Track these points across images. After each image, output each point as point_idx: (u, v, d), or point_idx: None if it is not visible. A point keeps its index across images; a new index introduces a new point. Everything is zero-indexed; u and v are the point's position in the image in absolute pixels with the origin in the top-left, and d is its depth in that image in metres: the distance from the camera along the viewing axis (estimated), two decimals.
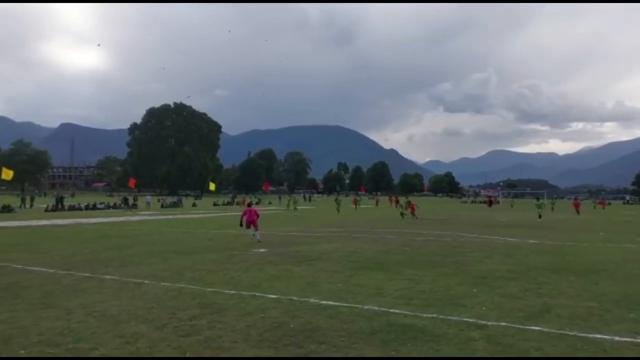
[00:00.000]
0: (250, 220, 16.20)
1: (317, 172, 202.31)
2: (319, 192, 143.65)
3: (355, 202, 49.68)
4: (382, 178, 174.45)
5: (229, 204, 63.45)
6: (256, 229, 15.97)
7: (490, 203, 58.92)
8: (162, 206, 51.94)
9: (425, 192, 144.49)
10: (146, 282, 8.47)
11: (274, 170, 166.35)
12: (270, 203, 66.21)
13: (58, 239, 17.02)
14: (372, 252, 12.84)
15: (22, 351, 4.73)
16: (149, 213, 38.87)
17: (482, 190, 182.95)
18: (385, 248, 13.90)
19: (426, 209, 45.79)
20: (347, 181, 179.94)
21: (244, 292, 7.51)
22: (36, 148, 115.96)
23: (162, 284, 8.30)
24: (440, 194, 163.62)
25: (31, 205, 43.92)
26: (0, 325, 5.64)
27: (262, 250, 13.37)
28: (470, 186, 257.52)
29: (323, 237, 17.57)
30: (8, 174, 37.53)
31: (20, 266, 10.36)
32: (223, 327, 5.54)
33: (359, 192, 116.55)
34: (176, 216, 34.39)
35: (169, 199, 62.86)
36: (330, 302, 6.80)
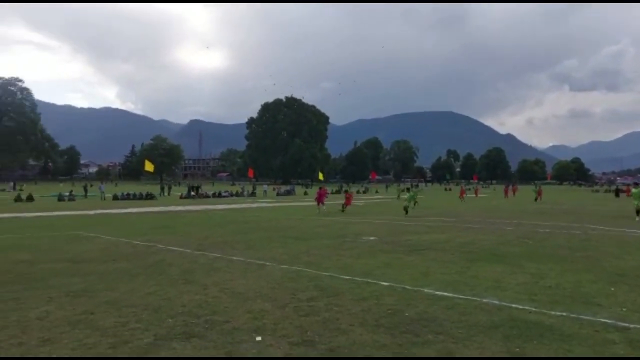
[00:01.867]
0: (320, 198, 24.17)
1: (425, 161, 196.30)
2: (426, 181, 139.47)
3: (462, 193, 41.30)
4: (498, 165, 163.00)
5: (337, 192, 64.96)
6: (323, 205, 23.76)
7: (617, 193, 51.43)
8: (277, 194, 55.15)
9: (549, 180, 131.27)
10: (268, 264, 9.15)
11: (380, 159, 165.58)
12: (377, 192, 66.18)
13: (192, 223, 19.14)
14: (489, 243, 12.19)
15: (170, 320, 5.48)
16: (266, 200, 41.59)
17: (618, 178, 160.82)
18: (502, 239, 13.09)
19: (550, 199, 41.76)
20: (458, 169, 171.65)
21: (357, 278, 7.71)
22: (171, 142, 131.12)
23: (282, 266, 8.90)
24: (566, 182, 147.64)
25: (169, 193, 49.91)
26: (152, 297, 6.59)
27: (372, 238, 13.52)
28: (604, 173, 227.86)
29: (434, 226, 17.12)
30: (150, 166, 43.14)
31: (162, 246, 11.90)
32: (340, 310, 5.79)
33: (471, 181, 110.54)
34: (290, 204, 36.27)
35: (283, 188, 66.45)
36: (446, 293, 6.66)
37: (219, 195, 48.83)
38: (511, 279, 7.68)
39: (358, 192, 61.14)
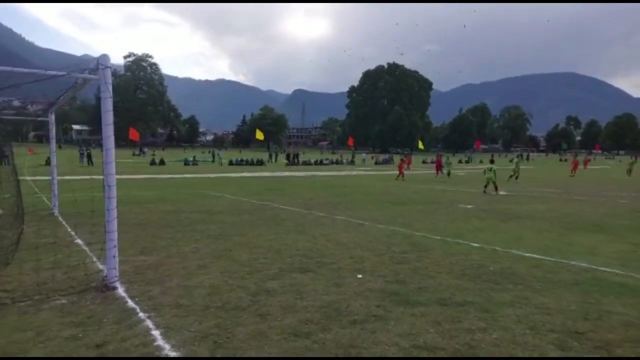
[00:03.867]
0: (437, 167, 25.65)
1: (539, 128, 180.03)
2: (539, 151, 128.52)
3: (575, 166, 34.67)
4: (627, 134, 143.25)
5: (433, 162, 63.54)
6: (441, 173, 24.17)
7: None
8: (375, 163, 55.90)
9: None
10: (366, 223, 10.20)
11: (487, 126, 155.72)
12: (481, 162, 63.29)
13: (298, 187, 20.96)
14: (594, 215, 11.81)
15: (289, 259, 6.80)
16: (364, 168, 42.67)
17: None
18: (611, 212, 12.52)
19: None
20: (579, 138, 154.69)
21: (448, 239, 8.40)
22: (277, 112, 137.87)
23: (378, 226, 9.88)
24: None
25: (275, 160, 53.58)
26: (273, 241, 8.03)
27: (468, 206, 13.82)
28: None
29: (537, 197, 16.67)
30: (261, 135, 46.63)
31: (276, 205, 13.59)
32: (429, 262, 6.62)
33: (593, 151, 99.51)
34: (387, 172, 36.87)
35: (381, 157, 66.85)
36: (535, 255, 7.09)
37: (320, 162, 51.06)
38: (607, 247, 7.75)
39: (460, 161, 59.17)
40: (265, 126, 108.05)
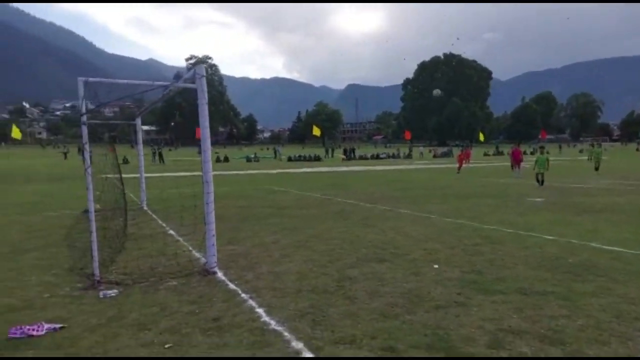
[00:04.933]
0: (516, 161, 22.12)
1: (611, 116, 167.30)
2: (612, 140, 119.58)
3: None
4: None
5: (499, 154, 61.22)
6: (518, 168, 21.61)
7: None
8: (434, 156, 54.94)
9: None
10: (432, 216, 10.35)
11: (552, 116, 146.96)
12: (547, 152, 60.08)
13: (358, 181, 21.30)
14: None
15: (363, 249, 7.17)
16: (422, 162, 42.13)
17: None
18: None
19: None
20: None
21: (520, 232, 8.38)
22: (331, 108, 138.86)
23: (446, 219, 9.99)
24: None
25: (332, 155, 54.25)
26: (344, 234, 8.43)
27: (538, 199, 13.48)
28: None
29: (612, 189, 15.86)
30: (317, 131, 47.53)
31: (339, 199, 14.02)
32: (504, 254, 6.72)
33: None
34: (447, 165, 36.20)
35: (440, 149, 65.47)
36: (614, 248, 6.97)
37: (377, 157, 51.01)
38: None
39: (525, 152, 56.63)
40: (320, 122, 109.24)
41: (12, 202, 13.65)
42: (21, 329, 4.03)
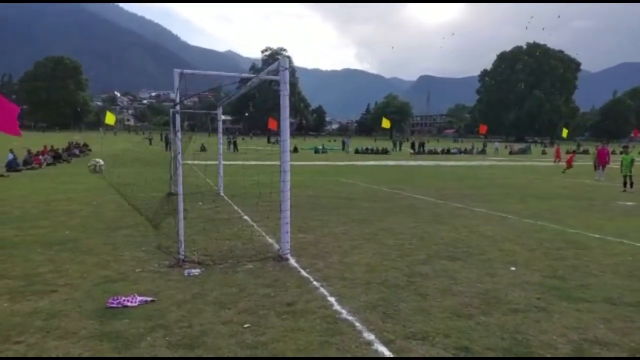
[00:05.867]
0: (601, 161, 19.62)
1: None
2: None
3: None
4: None
5: (584, 152, 56.56)
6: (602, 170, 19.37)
7: None
8: (510, 153, 52.07)
9: None
10: (509, 217, 9.87)
11: None
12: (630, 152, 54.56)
13: (426, 176, 20.81)
14: None
15: (434, 246, 7.03)
16: (497, 159, 40.12)
17: None
18: None
19: None
20: None
21: (609, 238, 7.75)
22: (401, 100, 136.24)
23: (524, 220, 9.48)
24: None
25: (400, 149, 53.38)
26: (415, 229, 8.32)
27: (629, 203, 12.36)
28: None
29: None
30: (387, 123, 46.96)
31: (408, 194, 13.80)
32: (589, 260, 6.27)
33: None
34: (525, 163, 34.17)
35: (517, 146, 61.89)
36: None
37: (448, 151, 49.34)
38: None
39: (614, 152, 51.84)
40: (389, 114, 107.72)
41: (106, 183, 15.03)
42: (118, 299, 4.47)
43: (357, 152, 44.77)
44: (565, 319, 4.13)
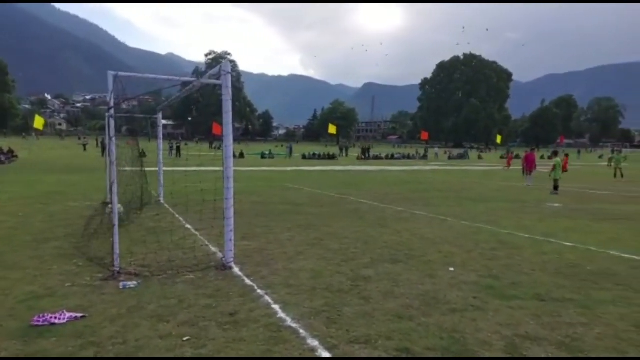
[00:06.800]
0: (528, 167, 19.93)
1: (633, 122, 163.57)
2: (632, 146, 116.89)
3: None
4: None
5: (517, 157, 60.36)
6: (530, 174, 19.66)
7: None
8: (449, 158, 54.46)
9: None
10: (449, 219, 10.27)
11: (573, 120, 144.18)
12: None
13: (372, 181, 21.24)
14: None
15: (378, 250, 7.15)
16: (437, 163, 41.83)
17: None
18: None
19: None
20: None
21: (538, 237, 8.28)
22: (347, 107, 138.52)
23: (462, 222, 9.91)
24: None
25: (346, 154, 54.21)
26: (359, 233, 8.43)
27: (556, 204, 13.28)
28: None
29: (633, 197, 15.54)
30: (333, 129, 47.48)
31: (353, 199, 14.01)
32: (521, 260, 6.65)
33: None
34: (463, 167, 35.88)
35: (455, 151, 64.87)
36: (634, 256, 6.84)
37: (392, 157, 50.76)
38: None
39: (543, 157, 55.76)
40: (335, 120, 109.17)
41: (34, 192, 13.97)
42: (44, 316, 4.14)
43: (304, 157, 44.88)
44: (499, 317, 4.34)
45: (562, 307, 4.64)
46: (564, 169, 25.04)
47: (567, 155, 27.69)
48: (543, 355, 3.56)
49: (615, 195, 16.25)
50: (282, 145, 70.21)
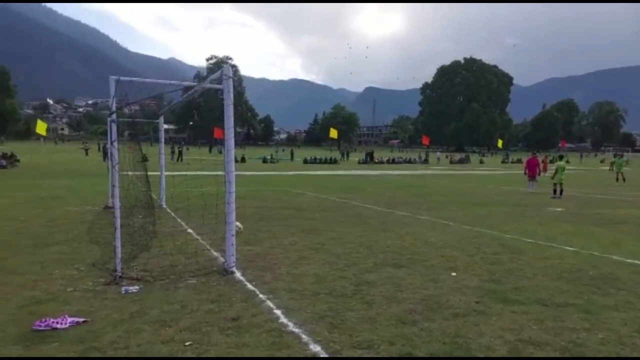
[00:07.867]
0: (531, 172, 19.06)
1: (635, 126, 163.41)
2: (634, 150, 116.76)
3: None
4: None
5: (519, 161, 60.34)
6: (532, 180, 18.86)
7: None
8: (450, 162, 54.44)
9: None
10: (451, 223, 10.26)
11: (574, 124, 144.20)
12: (567, 162, 59.05)
13: (374, 185, 21.24)
14: None
15: (381, 254, 7.14)
16: (439, 168, 41.81)
17: None
18: None
19: None
20: None
21: (540, 242, 8.26)
22: (349, 111, 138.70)
23: (464, 226, 9.90)
24: None
25: (348, 158, 54.27)
26: (362, 238, 8.43)
27: (557, 209, 13.26)
28: None
29: (635, 201, 15.51)
30: (335, 133, 47.51)
31: (357, 203, 14.00)
32: (523, 263, 6.63)
33: None
34: (464, 172, 35.86)
35: (457, 156, 64.87)
36: (636, 261, 6.82)
37: (393, 161, 50.79)
38: None
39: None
40: (336, 125, 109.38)
41: (35, 197, 14.00)
42: (46, 321, 4.13)
43: (305, 161, 44.92)
44: (502, 321, 4.32)
45: (565, 312, 4.62)
46: (544, 170, 24.91)
47: (546, 156, 27.51)
48: None
49: (617, 199, 16.21)
50: (283, 150, 70.37)
